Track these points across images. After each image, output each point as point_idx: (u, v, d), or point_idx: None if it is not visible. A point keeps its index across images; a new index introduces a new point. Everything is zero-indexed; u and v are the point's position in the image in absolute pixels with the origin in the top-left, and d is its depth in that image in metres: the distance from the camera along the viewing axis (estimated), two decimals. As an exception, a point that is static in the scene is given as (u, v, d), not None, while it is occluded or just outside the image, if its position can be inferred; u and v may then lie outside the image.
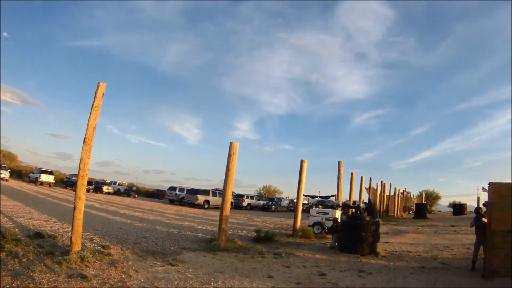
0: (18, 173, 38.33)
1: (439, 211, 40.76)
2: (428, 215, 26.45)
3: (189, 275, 5.16)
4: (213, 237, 8.77)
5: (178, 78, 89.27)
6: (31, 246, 5.76)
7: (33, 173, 33.50)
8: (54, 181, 32.12)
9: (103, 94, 5.84)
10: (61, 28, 74.87)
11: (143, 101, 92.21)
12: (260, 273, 5.95)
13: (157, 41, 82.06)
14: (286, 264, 6.85)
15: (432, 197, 41.58)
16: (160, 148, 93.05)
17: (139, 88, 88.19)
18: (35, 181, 31.25)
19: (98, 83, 5.82)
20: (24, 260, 4.94)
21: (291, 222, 13.20)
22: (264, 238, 9.59)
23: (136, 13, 77.06)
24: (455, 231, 14.76)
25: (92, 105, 5.71)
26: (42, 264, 4.84)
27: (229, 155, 8.75)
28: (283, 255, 7.75)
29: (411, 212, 31.64)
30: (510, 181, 6.60)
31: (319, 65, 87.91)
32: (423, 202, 34.15)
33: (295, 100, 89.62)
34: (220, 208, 8.87)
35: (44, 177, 30.91)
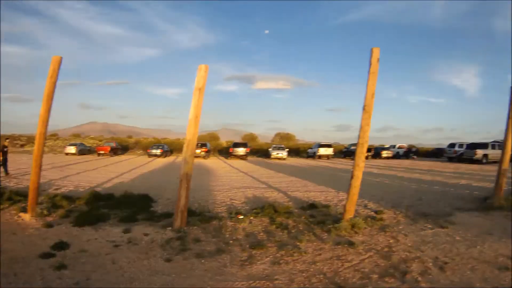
0: (296, 151, 40.28)
1: None
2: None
3: (457, 238, 4.79)
4: (488, 195, 7.97)
5: (449, 28, 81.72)
6: (303, 217, 5.94)
7: (311, 148, 35.21)
8: (332, 153, 32.97)
9: (378, 59, 5.64)
10: (321, 11, 72.02)
11: (418, 60, 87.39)
12: None
13: None
14: None
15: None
16: (439, 104, 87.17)
17: (414, 48, 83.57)
18: (313, 156, 32.65)
19: (372, 49, 5.64)
20: (293, 231, 5.12)
21: None
22: None
23: None
24: None
25: (369, 72, 5.57)
26: (311, 233, 4.94)
27: (511, 101, 7.48)
28: None
29: None
30: None
31: None
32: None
33: None
34: (499, 161, 7.81)
35: (322, 151, 31.98)
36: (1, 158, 11.39)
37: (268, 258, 4.00)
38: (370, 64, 5.60)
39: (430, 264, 3.73)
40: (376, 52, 5.65)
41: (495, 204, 6.83)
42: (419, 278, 3.33)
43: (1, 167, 11.43)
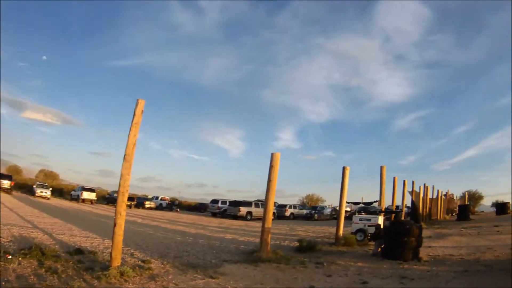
0: (60, 191, 39.23)
1: (482, 211, 38.57)
2: (471, 216, 24.76)
3: (228, 287, 5.11)
4: (254, 249, 8.68)
5: (219, 92, 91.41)
6: (71, 262, 5.84)
7: (74, 190, 34.19)
8: (96, 198, 32.70)
9: (142, 111, 5.97)
10: (100, 49, 79.60)
11: (185, 116, 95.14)
12: (301, 283, 5.81)
13: (196, 56, 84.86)
14: (327, 273, 6.61)
15: (475, 198, 39.33)
16: (202, 161, 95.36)
17: (181, 104, 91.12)
18: (76, 199, 31.91)
19: (137, 100, 5.94)
20: (63, 275, 5.00)
21: (333, 230, 12.83)
22: (306, 247, 9.37)
23: (174, 30, 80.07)
24: (498, 231, 13.78)
25: (132, 122, 5.83)
26: (81, 279, 4.88)
27: (271, 166, 8.65)
28: (325, 264, 7.53)
29: (454, 214, 29.99)
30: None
31: (359, 69, 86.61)
32: (466, 203, 32.09)
33: (336, 106, 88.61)
34: (262, 219, 8.79)
35: (86, 195, 31.53)
36: None
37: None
38: (134, 114, 5.86)
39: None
40: (141, 104, 5.93)
41: (263, 257, 7.55)
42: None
43: None
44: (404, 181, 18.71)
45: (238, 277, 5.87)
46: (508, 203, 28.53)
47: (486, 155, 79.87)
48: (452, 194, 35.53)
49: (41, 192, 30.53)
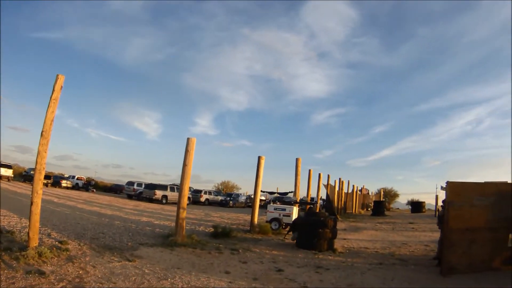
0: None
1: (398, 208, 42.40)
2: (386, 212, 27.33)
3: (146, 271, 5.14)
4: (170, 233, 8.61)
5: (140, 72, 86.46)
6: None
7: None
8: (12, 175, 30.60)
9: (61, 87, 5.86)
10: (22, 20, 68.71)
11: (104, 95, 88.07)
12: (217, 268, 5.84)
13: (120, 35, 78.65)
14: (243, 260, 6.64)
15: (390, 195, 43.48)
16: (119, 142, 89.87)
17: (100, 82, 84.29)
18: None
19: (57, 75, 5.82)
20: None
21: (249, 217, 13.12)
22: (221, 233, 9.42)
23: (100, 7, 72.81)
24: (413, 228, 15.32)
25: (50, 98, 5.73)
26: (0, 260, 4.76)
27: (186, 151, 8.60)
28: (240, 250, 7.59)
29: (369, 209, 32.46)
30: (467, 180, 6.73)
31: (281, 62, 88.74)
32: (381, 200, 35.28)
33: (255, 97, 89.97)
34: (177, 203, 8.72)
35: (3, 171, 29.11)
36: None
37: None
38: (53, 90, 5.78)
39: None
40: (61, 79, 5.86)
41: (178, 241, 7.81)
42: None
43: None
44: (319, 174, 19.64)
45: (155, 261, 5.88)
46: (424, 202, 32.06)
47: (402, 156, 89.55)
48: (368, 190, 38.98)
49: None
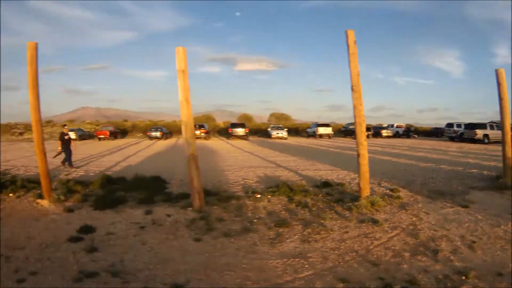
0: (295, 131, 40.13)
1: None
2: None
3: (479, 217, 4.79)
4: (499, 174, 7.91)
5: (422, 14, 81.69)
6: (320, 195, 6.02)
7: (310, 128, 35.22)
8: (332, 132, 33.06)
9: (354, 41, 5.76)
10: None
11: (396, 44, 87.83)
12: None
13: None
14: None
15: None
16: (428, 85, 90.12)
17: (389, 33, 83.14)
18: (313, 135, 32.76)
19: (347, 31, 5.75)
20: (314, 209, 5.20)
21: None
22: None
23: None
24: None
25: (348, 53, 5.72)
26: (333, 211, 5.05)
27: (498, 83, 7.65)
28: None
29: None
30: None
31: None
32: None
33: None
34: (502, 142, 7.82)
35: (322, 130, 32.12)
36: (62, 148, 10.01)
37: (296, 236, 4.04)
38: (348, 46, 5.74)
39: (459, 243, 3.76)
40: (351, 35, 5.75)
41: (508, 184, 6.83)
42: (452, 257, 3.35)
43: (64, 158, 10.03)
44: None
45: (486, 205, 5.41)
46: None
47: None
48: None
49: (277, 133, 31.06)
